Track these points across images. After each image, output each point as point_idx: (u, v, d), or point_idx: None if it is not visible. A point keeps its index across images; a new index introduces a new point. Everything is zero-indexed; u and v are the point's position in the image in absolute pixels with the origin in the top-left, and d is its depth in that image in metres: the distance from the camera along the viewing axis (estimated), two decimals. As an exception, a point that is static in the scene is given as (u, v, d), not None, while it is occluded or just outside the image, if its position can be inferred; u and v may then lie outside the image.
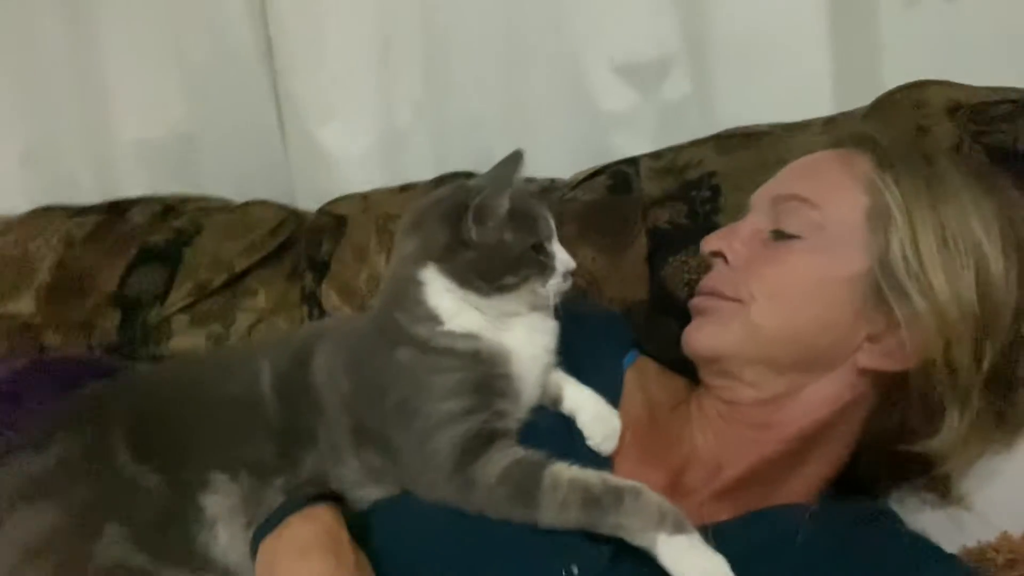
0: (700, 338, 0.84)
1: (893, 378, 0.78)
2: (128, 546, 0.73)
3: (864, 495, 0.86)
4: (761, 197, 0.86)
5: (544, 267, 0.77)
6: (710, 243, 0.87)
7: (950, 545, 0.79)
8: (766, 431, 0.81)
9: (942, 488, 0.83)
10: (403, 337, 0.77)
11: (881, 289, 0.77)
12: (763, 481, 0.81)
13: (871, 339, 0.78)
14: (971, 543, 0.80)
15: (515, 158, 0.83)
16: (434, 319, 0.77)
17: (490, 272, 0.76)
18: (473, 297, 0.77)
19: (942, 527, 0.81)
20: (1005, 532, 0.79)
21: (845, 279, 0.78)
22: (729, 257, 0.84)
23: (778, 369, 0.80)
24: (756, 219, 0.85)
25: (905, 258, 0.76)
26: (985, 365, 0.76)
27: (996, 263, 0.76)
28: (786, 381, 0.80)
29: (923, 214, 0.77)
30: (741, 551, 0.69)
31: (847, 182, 0.81)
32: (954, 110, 1.01)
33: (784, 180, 0.86)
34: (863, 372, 0.79)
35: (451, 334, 0.76)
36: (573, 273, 0.79)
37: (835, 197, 0.81)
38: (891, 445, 0.81)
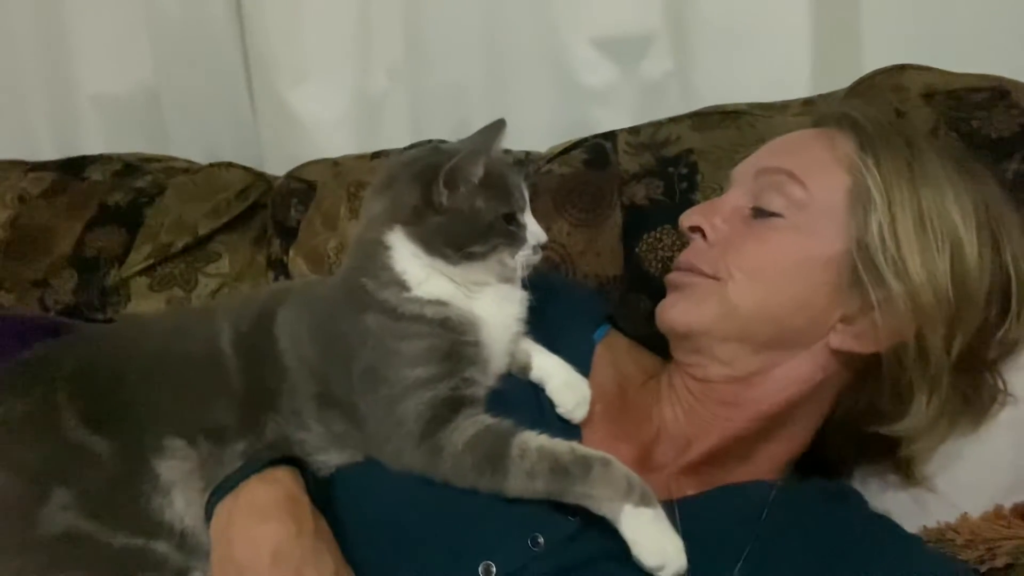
0: (675, 314, 0.83)
1: (864, 360, 0.78)
2: (76, 512, 0.71)
3: (828, 474, 0.86)
4: (743, 171, 0.85)
5: (514, 238, 0.76)
6: (689, 218, 0.85)
7: (911, 525, 0.80)
8: (735, 408, 0.80)
9: (905, 470, 0.83)
10: (370, 303, 0.75)
11: (857, 270, 0.76)
12: (731, 457, 0.81)
13: (845, 320, 0.78)
14: (932, 524, 0.81)
15: (497, 126, 0.81)
16: (401, 285, 0.75)
17: (458, 239, 0.74)
18: (440, 264, 0.75)
19: (904, 507, 0.82)
20: (965, 514, 0.80)
21: (823, 259, 0.78)
22: (708, 233, 0.83)
23: (752, 347, 0.79)
24: (736, 195, 0.84)
25: (883, 240, 0.76)
26: (955, 350, 0.76)
27: (971, 248, 0.76)
28: (759, 360, 0.80)
29: (902, 197, 0.77)
30: (707, 526, 0.69)
31: (829, 161, 0.80)
32: (931, 95, 1.01)
33: (767, 154, 0.86)
34: (835, 353, 0.79)
35: (419, 300, 0.75)
36: (546, 247, 0.78)
37: (818, 175, 0.80)
38: (859, 426, 0.81)
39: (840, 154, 0.80)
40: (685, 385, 0.83)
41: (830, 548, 0.73)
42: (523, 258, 0.76)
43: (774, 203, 0.80)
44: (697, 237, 0.84)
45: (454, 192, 0.74)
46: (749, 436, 0.81)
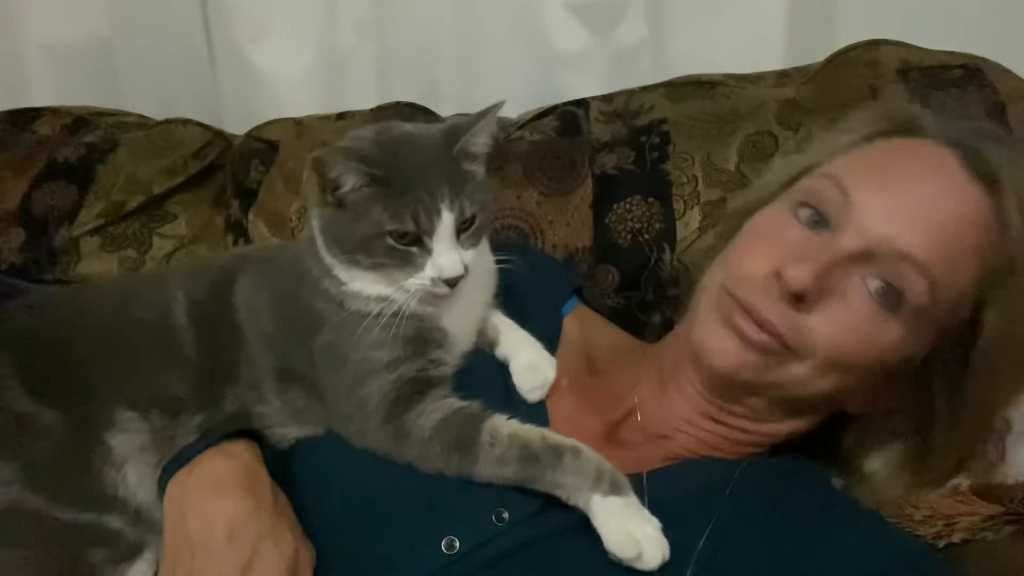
0: (729, 362, 0.72)
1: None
2: (20, 487, 0.68)
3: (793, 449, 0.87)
4: (880, 233, 0.70)
5: (406, 262, 0.66)
6: (800, 278, 0.68)
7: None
8: (727, 430, 0.78)
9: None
10: (316, 289, 0.71)
11: (931, 366, 0.72)
12: (702, 453, 0.80)
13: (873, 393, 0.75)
14: (891, 499, 0.82)
15: (492, 110, 0.70)
16: (335, 278, 0.70)
17: (343, 240, 0.67)
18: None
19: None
20: (923, 490, 0.81)
21: (909, 355, 0.71)
22: (807, 303, 0.70)
23: (784, 411, 0.76)
24: (856, 249, 0.70)
25: (984, 351, 0.70)
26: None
27: None
28: (783, 421, 0.77)
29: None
30: (673, 498, 0.69)
31: (971, 256, 0.70)
32: (905, 71, 1.01)
33: (924, 238, 0.70)
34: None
35: (359, 296, 0.69)
36: (454, 283, 0.68)
37: (953, 276, 0.70)
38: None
39: (985, 246, 0.70)
40: (684, 397, 0.78)
41: (792, 524, 0.73)
42: (416, 286, 0.67)
43: (902, 303, 0.69)
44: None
45: (341, 187, 0.65)
46: (726, 446, 0.79)
